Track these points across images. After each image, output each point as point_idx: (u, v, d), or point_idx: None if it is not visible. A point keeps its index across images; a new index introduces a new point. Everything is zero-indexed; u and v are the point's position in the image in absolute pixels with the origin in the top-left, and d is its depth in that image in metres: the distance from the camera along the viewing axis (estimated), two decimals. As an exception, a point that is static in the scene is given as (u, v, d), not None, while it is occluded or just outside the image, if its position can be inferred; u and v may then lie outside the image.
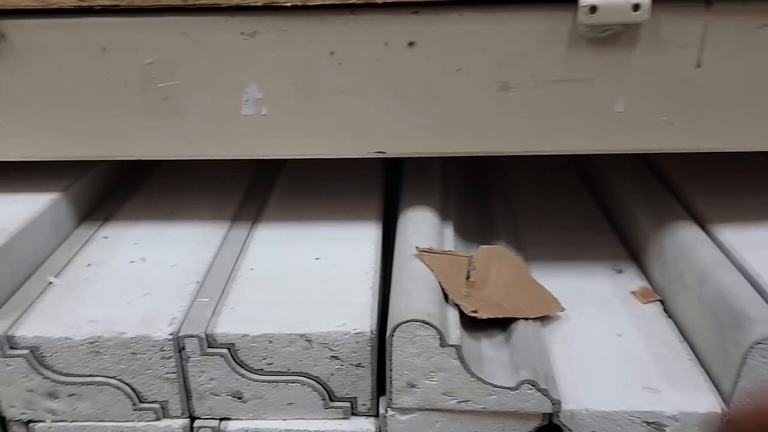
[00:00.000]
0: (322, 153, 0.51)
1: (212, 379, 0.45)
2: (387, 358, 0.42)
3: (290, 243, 0.55)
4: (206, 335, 0.44)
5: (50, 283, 0.49)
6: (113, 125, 0.50)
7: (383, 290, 0.49)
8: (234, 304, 0.47)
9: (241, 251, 0.54)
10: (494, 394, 0.42)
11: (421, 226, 0.54)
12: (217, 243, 0.55)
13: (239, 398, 0.46)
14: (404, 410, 0.44)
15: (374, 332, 0.44)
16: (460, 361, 0.42)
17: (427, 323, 0.41)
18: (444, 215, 0.57)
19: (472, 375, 0.42)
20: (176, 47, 0.48)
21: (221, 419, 0.47)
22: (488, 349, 0.46)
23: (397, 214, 0.58)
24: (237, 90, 0.49)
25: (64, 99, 0.49)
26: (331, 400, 0.45)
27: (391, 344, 0.42)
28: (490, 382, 0.42)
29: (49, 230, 0.54)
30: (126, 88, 0.49)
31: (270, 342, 0.44)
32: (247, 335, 0.44)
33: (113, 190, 0.65)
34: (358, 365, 0.44)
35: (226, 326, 0.44)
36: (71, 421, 0.46)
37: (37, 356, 0.44)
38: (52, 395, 0.45)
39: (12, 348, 0.44)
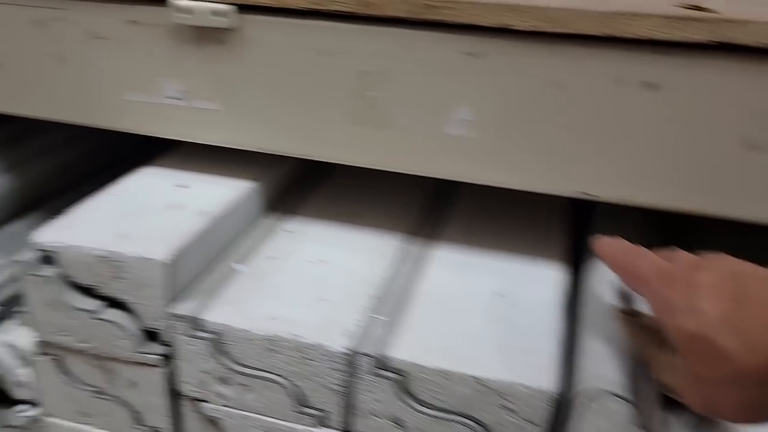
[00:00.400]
0: (525, 185, 0.48)
1: (377, 401, 0.44)
2: (568, 423, 0.39)
3: (468, 270, 0.52)
4: (380, 357, 0.43)
5: (237, 270, 0.51)
6: (319, 127, 0.51)
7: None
8: (409, 328, 0.45)
9: (417, 270, 0.52)
10: (690, 495, 0.37)
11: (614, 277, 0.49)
12: (392, 255, 0.54)
13: (400, 426, 0.44)
14: (578, 485, 0.40)
15: (556, 393, 0.40)
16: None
17: (621, 397, 0.37)
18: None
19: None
20: (393, 58, 0.47)
21: (378, 442, 0.45)
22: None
23: (580, 259, 0.53)
24: (447, 108, 0.47)
25: (279, 95, 0.50)
26: (496, 452, 0.43)
27: (577, 411, 0.38)
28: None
29: (240, 218, 0.56)
30: (337, 92, 0.49)
31: (444, 378, 0.42)
32: (421, 366, 0.42)
33: (299, 182, 0.66)
34: (532, 422, 0.41)
35: (401, 352, 0.43)
36: (236, 409, 0.48)
37: (218, 342, 0.46)
38: (224, 381, 0.47)
39: (198, 330, 0.46)
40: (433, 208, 0.63)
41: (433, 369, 0.42)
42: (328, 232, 0.57)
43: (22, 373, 0.60)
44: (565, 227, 0.59)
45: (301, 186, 0.66)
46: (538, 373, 0.41)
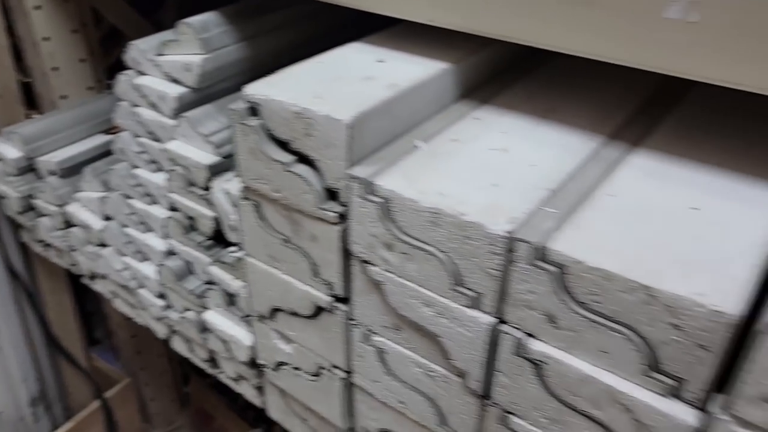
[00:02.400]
0: (755, 87, 0.40)
1: (532, 292, 0.42)
2: (747, 354, 0.33)
3: (668, 181, 0.46)
4: (540, 247, 0.40)
5: (417, 147, 0.51)
6: (525, 5, 0.47)
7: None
8: (580, 225, 0.42)
9: (607, 172, 0.48)
10: None
11: None
12: (584, 155, 0.50)
13: (553, 322, 0.42)
14: (745, 423, 0.35)
15: (740, 318, 0.35)
16: None
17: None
18: None
19: None
20: None
21: (528, 334, 0.44)
22: None
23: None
24: (667, -14, 0.41)
25: (482, -34, 0.48)
26: (655, 369, 0.39)
27: (759, 341, 0.32)
28: None
29: (430, 98, 0.55)
30: (545, -36, 0.45)
31: (606, 280, 0.38)
32: (583, 263, 0.39)
33: (501, 72, 0.63)
34: (702, 346, 0.36)
35: (563, 245, 0.40)
36: (397, 276, 0.49)
37: (387, 208, 0.47)
38: (389, 247, 0.49)
39: (370, 193, 0.48)
40: (647, 111, 0.56)
41: (597, 268, 0.38)
42: (519, 123, 0.55)
43: (234, 218, 0.69)
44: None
45: (504, 77, 0.63)
46: (721, 294, 0.36)
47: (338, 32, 0.83)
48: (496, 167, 0.48)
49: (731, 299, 0.35)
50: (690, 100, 0.57)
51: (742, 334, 0.36)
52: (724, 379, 0.37)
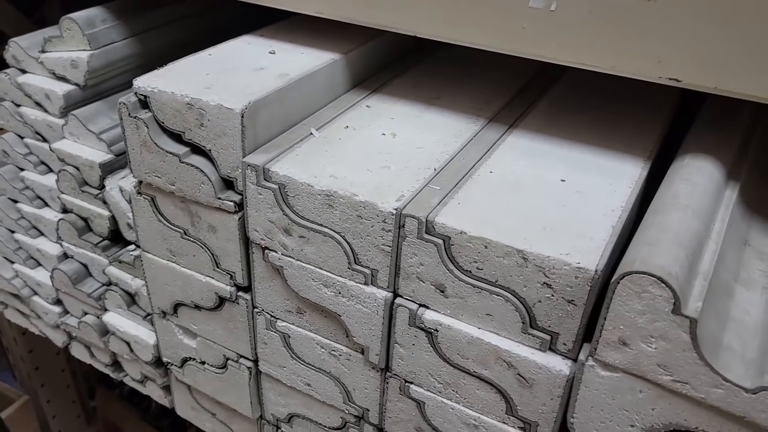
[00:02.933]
0: (607, 67, 0.45)
1: (422, 264, 0.45)
2: (604, 304, 0.38)
3: (540, 157, 0.51)
4: (426, 220, 0.43)
5: (311, 134, 0.53)
6: (400, -5, 0.50)
7: (628, 238, 0.43)
8: (462, 200, 0.45)
9: (487, 152, 0.51)
10: (721, 389, 0.35)
11: (696, 177, 0.45)
12: (467, 137, 0.53)
13: (442, 291, 0.45)
14: (607, 366, 0.39)
15: (599, 273, 0.39)
16: (691, 337, 0.35)
17: (663, 282, 0.35)
18: (732, 174, 0.48)
19: (701, 357, 0.35)
20: None
21: (420, 305, 0.47)
22: (734, 338, 0.38)
23: (669, 160, 0.50)
24: (530, -22, 0.45)
25: (362, -41, 0.50)
26: (532, 326, 0.43)
27: (613, 291, 0.37)
28: (721, 373, 0.35)
29: (322, 87, 0.57)
30: (421, -43, 0.48)
31: (485, 247, 0.42)
32: (465, 233, 0.42)
33: (391, 63, 0.66)
34: (570, 301, 0.40)
35: (447, 218, 0.43)
36: (296, 259, 0.51)
37: (283, 193, 0.48)
38: (287, 231, 0.50)
39: (266, 180, 0.49)
40: (524, 95, 0.61)
41: (477, 237, 0.42)
42: (407, 110, 0.58)
43: (131, 216, 0.68)
44: (660, 124, 0.55)
45: (393, 67, 0.66)
46: (584, 253, 0.40)
47: (229, 28, 0.83)
48: (385, 151, 0.51)
49: (591, 257, 0.39)
50: (562, 84, 0.62)
51: (603, 289, 0.40)
52: (590, 330, 0.41)
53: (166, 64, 0.56)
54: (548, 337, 0.42)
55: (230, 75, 0.53)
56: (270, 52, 0.58)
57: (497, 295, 0.43)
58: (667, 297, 0.35)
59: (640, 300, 0.36)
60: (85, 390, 1.55)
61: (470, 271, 0.43)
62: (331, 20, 0.55)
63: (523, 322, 0.42)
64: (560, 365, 0.42)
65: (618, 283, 0.36)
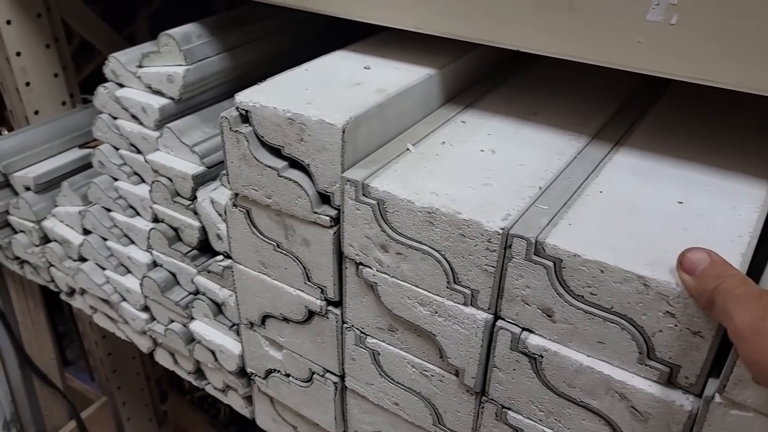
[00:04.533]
0: (732, 83, 0.42)
1: (528, 287, 0.43)
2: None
3: (652, 177, 0.48)
4: (536, 241, 0.42)
5: (407, 149, 0.52)
6: (507, 10, 0.48)
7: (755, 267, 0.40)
8: (573, 220, 0.43)
9: (594, 170, 0.49)
10: None
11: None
12: (570, 155, 0.51)
13: (549, 316, 0.43)
14: (737, 404, 0.36)
15: (730, 304, 0.36)
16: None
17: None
18: None
19: None
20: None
21: (524, 329, 0.45)
22: None
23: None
24: (649, -11, 0.43)
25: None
26: (649, 357, 0.40)
27: None
28: None
29: (418, 102, 0.56)
30: (529, -30, 0.47)
31: (601, 272, 0.40)
32: (579, 256, 0.40)
33: (483, 78, 0.65)
34: (696, 333, 0.38)
35: (558, 239, 0.41)
36: (392, 276, 0.50)
37: (381, 209, 0.48)
38: (384, 248, 0.49)
39: (365, 195, 0.48)
40: (630, 110, 0.58)
41: (592, 260, 0.40)
42: (504, 126, 0.56)
43: (221, 227, 0.69)
44: (781, 145, 0.51)
45: (487, 81, 0.64)
46: (712, 281, 0.37)
47: (316, 42, 0.84)
48: (485, 167, 0.50)
49: (721, 285, 0.37)
50: (667, 100, 0.59)
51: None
52: (717, 363, 0.38)
53: (254, 80, 0.56)
54: (668, 370, 0.40)
55: (328, 90, 0.53)
56: (365, 68, 0.58)
57: (612, 323, 0.40)
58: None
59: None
60: (157, 394, 1.59)
61: (582, 296, 0.41)
62: (424, 35, 0.54)
63: (640, 353, 0.40)
64: (681, 400, 0.39)
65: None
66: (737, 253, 0.40)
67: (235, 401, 0.79)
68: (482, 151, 0.52)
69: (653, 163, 0.50)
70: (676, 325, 0.38)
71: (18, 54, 1.01)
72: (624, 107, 0.59)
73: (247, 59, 0.78)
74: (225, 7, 1.28)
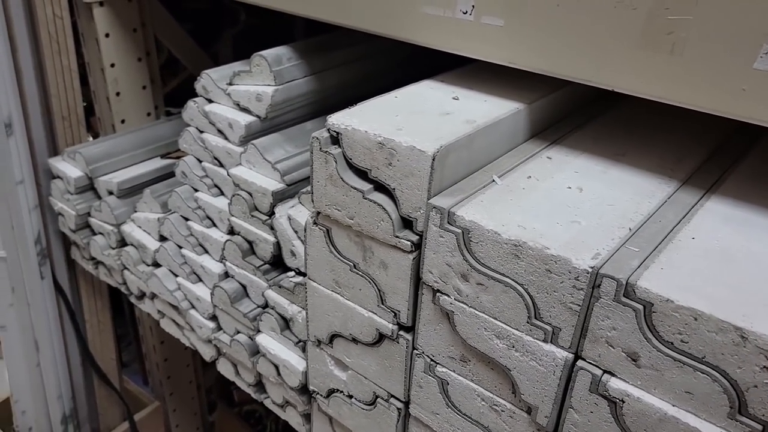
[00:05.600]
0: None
1: (614, 329, 0.42)
2: None
3: (747, 226, 0.47)
4: (627, 283, 0.41)
5: (494, 181, 0.53)
6: (605, 50, 0.49)
7: None
8: (665, 265, 0.42)
9: (685, 216, 0.48)
10: None
11: None
12: (660, 198, 0.51)
13: (634, 360, 0.42)
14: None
15: (836, 365, 0.35)
16: None
17: None
18: None
19: None
20: (706, -24, 0.43)
21: (606, 371, 0.44)
22: None
23: None
24: (757, 38, 0.42)
25: (567, 15, 0.50)
26: (741, 413, 0.39)
27: None
28: None
29: (505, 135, 0.57)
30: (632, 14, 0.47)
31: (695, 319, 0.39)
32: (671, 302, 0.39)
33: (570, 114, 0.65)
34: (795, 392, 0.36)
35: (650, 283, 0.40)
36: (470, 306, 0.50)
37: (466, 238, 0.48)
38: (464, 277, 0.49)
39: (449, 223, 0.49)
40: (722, 156, 0.57)
41: (686, 308, 0.39)
42: (591, 164, 0.56)
43: (296, 244, 0.70)
44: None
45: (576, 118, 0.64)
46: (816, 339, 0.36)
47: (398, 71, 0.86)
48: (573, 205, 0.49)
49: (827, 344, 0.35)
50: (762, 149, 0.58)
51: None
52: (815, 425, 0.37)
53: (337, 103, 0.57)
54: (760, 428, 0.38)
55: (418, 118, 0.54)
56: (454, 98, 0.59)
57: (703, 373, 0.39)
58: None
59: None
60: (206, 404, 1.62)
61: (672, 343, 0.40)
62: (513, 68, 0.54)
63: (731, 407, 0.39)
64: (773, 461, 0.38)
65: None
66: (843, 312, 0.38)
67: (293, 418, 0.80)
68: (569, 188, 0.52)
69: (748, 213, 0.48)
70: (774, 382, 0.37)
71: (112, 65, 1.06)
72: (715, 154, 0.58)
73: (331, 83, 0.81)
74: (305, 32, 1.33)
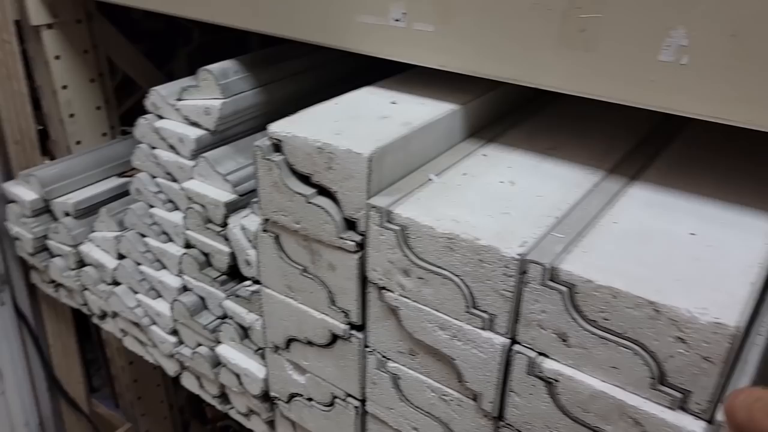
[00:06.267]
0: (743, 121, 0.44)
1: (544, 311, 0.45)
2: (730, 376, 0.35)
3: (665, 210, 0.50)
4: (551, 267, 0.43)
5: (430, 179, 0.55)
6: (528, 50, 0.51)
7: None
8: (587, 248, 0.45)
9: (608, 203, 0.51)
10: None
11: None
12: (586, 188, 0.53)
13: (564, 340, 0.45)
14: (748, 429, 0.37)
15: (740, 331, 0.37)
16: None
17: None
18: None
19: None
20: (610, -24, 0.46)
21: (539, 353, 0.46)
22: None
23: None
24: (660, 32, 0.45)
25: (491, 18, 0.52)
26: (662, 383, 0.41)
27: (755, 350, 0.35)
28: None
29: (441, 136, 0.59)
30: (549, 14, 0.49)
31: (614, 297, 0.41)
32: (592, 282, 0.42)
33: (507, 114, 0.68)
34: (706, 358, 0.39)
35: (573, 266, 0.43)
36: (413, 301, 0.52)
37: (404, 235, 0.50)
38: (406, 272, 0.51)
39: (389, 222, 0.51)
40: (646, 146, 0.60)
41: (606, 287, 0.41)
42: (524, 160, 0.58)
43: (250, 253, 0.72)
44: (794, 182, 0.53)
45: (509, 117, 0.67)
46: (722, 308, 0.38)
47: (346, 80, 0.88)
48: (505, 198, 0.52)
49: (730, 312, 0.38)
50: (684, 137, 0.61)
51: (741, 347, 0.39)
52: (726, 389, 0.39)
53: (286, 114, 0.59)
54: (680, 395, 0.41)
55: (357, 122, 0.56)
56: (392, 102, 0.61)
57: (625, 348, 0.42)
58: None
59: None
60: (180, 423, 1.60)
61: (596, 321, 0.43)
62: (450, 72, 0.57)
63: (652, 378, 0.41)
64: (692, 425, 0.40)
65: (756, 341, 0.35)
66: (747, 281, 0.41)
67: (257, 426, 0.80)
68: (502, 182, 0.55)
69: (667, 197, 0.51)
70: (686, 351, 0.39)
71: (64, 87, 1.07)
72: (642, 144, 0.61)
73: (279, 95, 0.83)
74: (260, 47, 1.35)
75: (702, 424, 0.40)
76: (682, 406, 0.41)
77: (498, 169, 0.57)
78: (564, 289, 0.43)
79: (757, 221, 0.48)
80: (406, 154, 0.55)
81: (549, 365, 0.46)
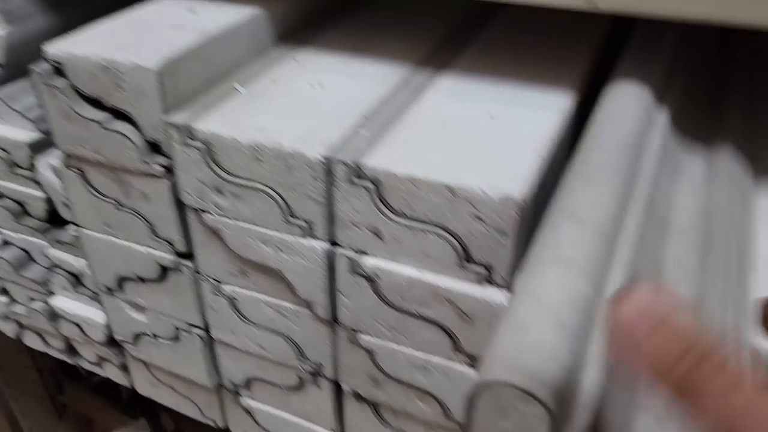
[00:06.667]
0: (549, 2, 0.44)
1: (355, 210, 0.44)
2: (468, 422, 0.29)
3: (469, 97, 0.50)
4: (355, 165, 0.43)
5: (236, 90, 0.52)
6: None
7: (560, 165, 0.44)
8: (390, 143, 0.45)
9: (415, 95, 0.51)
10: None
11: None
12: (394, 83, 0.53)
13: (378, 236, 0.45)
14: (540, 291, 0.39)
15: (527, 201, 0.39)
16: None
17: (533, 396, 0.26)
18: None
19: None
20: None
21: (358, 251, 0.47)
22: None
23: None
24: None
25: None
26: (467, 261, 0.42)
27: (471, 407, 0.28)
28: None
29: (246, 43, 0.56)
30: None
31: (415, 186, 0.41)
32: (395, 174, 0.42)
33: (318, 17, 0.65)
34: (502, 232, 0.40)
35: (375, 160, 0.42)
36: (232, 219, 0.50)
37: (210, 151, 0.47)
38: (219, 190, 0.49)
39: (191, 139, 0.47)
40: (454, 38, 0.60)
41: (405, 176, 0.41)
42: (336, 61, 0.57)
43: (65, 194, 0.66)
44: (588, 54, 0.55)
45: (324, 19, 0.64)
46: (510, 183, 0.40)
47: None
48: (312, 101, 0.50)
49: (517, 186, 0.39)
50: (494, 25, 0.61)
51: (535, 218, 0.40)
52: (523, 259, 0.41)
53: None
54: (485, 271, 0.42)
55: (146, 35, 0.51)
56: (189, 11, 0.56)
57: (431, 233, 0.42)
58: (540, 415, 0.26)
59: (507, 419, 0.27)
60: (53, 386, 1.52)
61: (403, 212, 0.43)
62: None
63: (459, 257, 0.42)
64: (499, 297, 0.42)
65: (474, 396, 0.28)
66: (536, 156, 0.42)
67: (112, 372, 0.77)
68: (312, 86, 0.53)
69: (470, 84, 0.52)
70: (484, 228, 0.41)
71: None
72: (452, 36, 0.61)
73: (79, 18, 0.74)
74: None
75: (508, 294, 0.43)
76: (488, 280, 0.43)
77: (308, 73, 0.54)
78: (371, 185, 0.43)
79: (554, 98, 0.50)
80: (206, 65, 0.51)
81: (369, 262, 0.46)
